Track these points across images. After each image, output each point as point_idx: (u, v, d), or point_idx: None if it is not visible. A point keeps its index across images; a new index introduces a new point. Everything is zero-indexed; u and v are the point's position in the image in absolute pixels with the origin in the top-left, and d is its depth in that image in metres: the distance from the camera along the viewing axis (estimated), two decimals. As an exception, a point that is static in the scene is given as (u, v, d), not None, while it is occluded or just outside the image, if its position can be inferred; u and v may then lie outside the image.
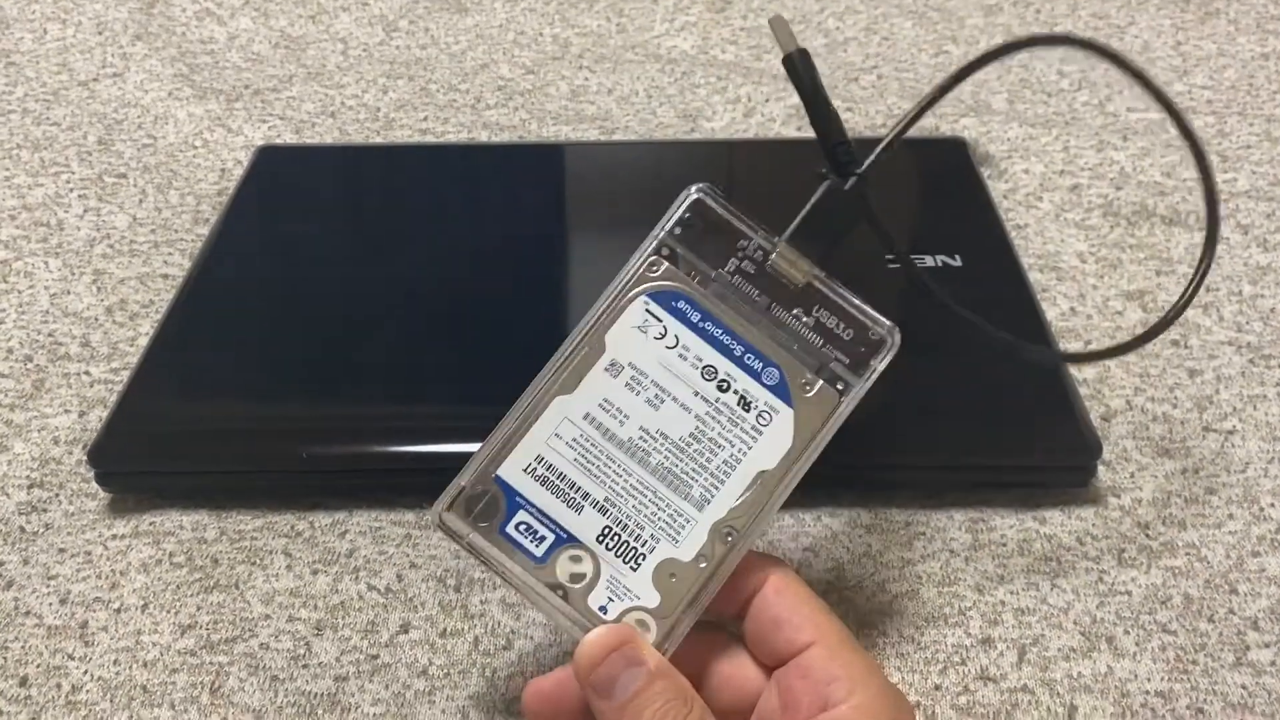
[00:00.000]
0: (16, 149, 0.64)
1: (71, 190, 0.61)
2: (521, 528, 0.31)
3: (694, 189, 0.33)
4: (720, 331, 0.32)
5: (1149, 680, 0.36)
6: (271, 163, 0.59)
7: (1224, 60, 0.69)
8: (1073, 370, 0.46)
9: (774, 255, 0.32)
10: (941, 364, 0.45)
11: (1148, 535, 0.41)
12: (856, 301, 0.33)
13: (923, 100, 0.38)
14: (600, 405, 0.32)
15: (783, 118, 0.65)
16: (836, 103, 0.65)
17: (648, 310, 0.32)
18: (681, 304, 0.32)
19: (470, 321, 0.48)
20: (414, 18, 0.77)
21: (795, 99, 0.65)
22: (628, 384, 0.32)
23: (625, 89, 0.69)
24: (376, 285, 0.50)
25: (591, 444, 0.32)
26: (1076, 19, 0.74)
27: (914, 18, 0.75)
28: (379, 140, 0.65)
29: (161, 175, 0.62)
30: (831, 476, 0.43)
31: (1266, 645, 0.37)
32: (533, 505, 0.32)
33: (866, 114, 0.65)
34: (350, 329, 0.48)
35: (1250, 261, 0.53)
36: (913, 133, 0.63)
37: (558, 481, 0.32)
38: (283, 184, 0.57)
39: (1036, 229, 0.55)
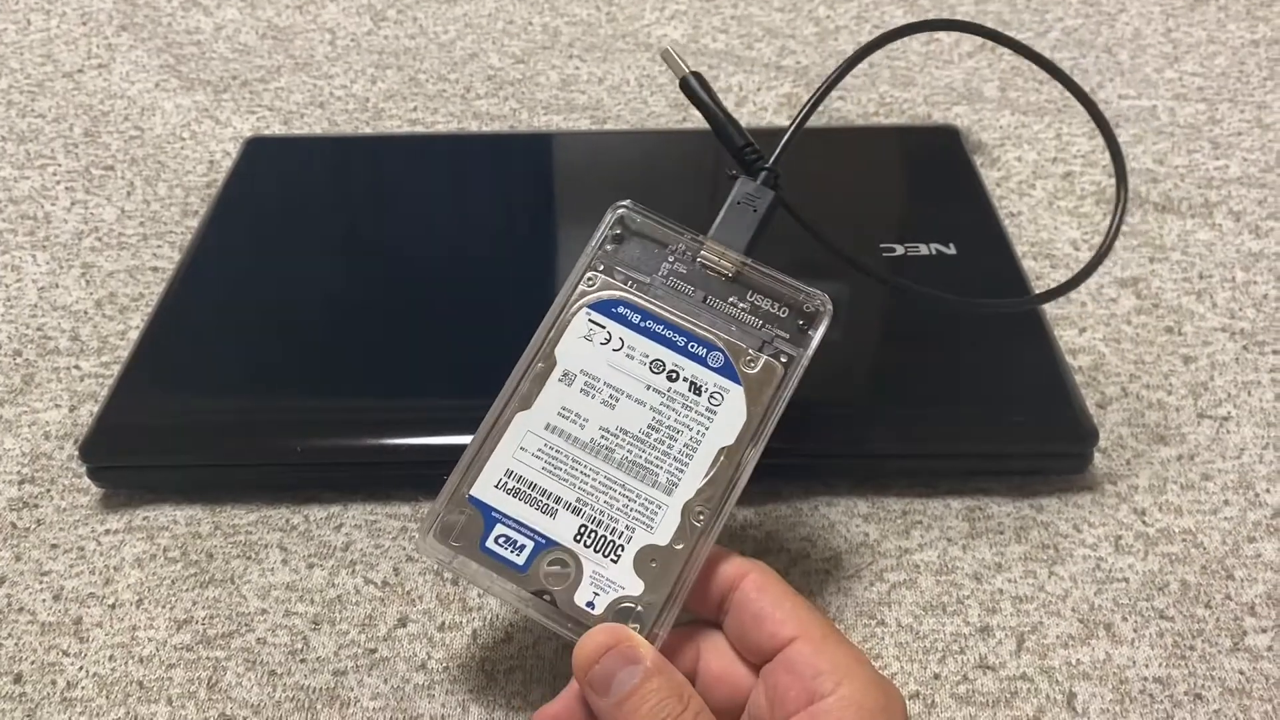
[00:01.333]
0: (1, 141, 0.63)
1: (58, 183, 0.60)
2: (501, 540, 0.32)
3: (617, 206, 0.35)
4: (662, 327, 0.34)
5: (1147, 666, 0.36)
6: (261, 154, 0.58)
7: (1214, 47, 0.69)
8: (1068, 358, 0.46)
9: (701, 251, 0.34)
10: (937, 353, 0.45)
11: (1144, 522, 0.41)
12: (787, 280, 0.34)
13: (815, 93, 0.40)
14: (559, 414, 0.33)
15: (774, 106, 0.65)
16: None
17: (590, 320, 0.34)
18: (621, 309, 0.34)
19: (464, 312, 0.47)
20: (402, 7, 0.77)
21: (786, 88, 0.65)
22: (582, 390, 0.33)
23: (616, 78, 0.68)
24: (369, 276, 0.50)
25: (556, 451, 0.33)
26: (1067, 5, 0.74)
27: (905, 5, 0.75)
28: (368, 131, 0.64)
29: (149, 167, 0.61)
30: (828, 465, 0.43)
31: (1263, 630, 0.38)
32: (508, 518, 0.32)
33: (859, 102, 0.65)
34: (343, 320, 0.48)
35: (1242, 248, 0.53)
36: (905, 121, 0.64)
37: (529, 491, 0.32)
38: (272, 176, 0.57)
39: (1030, 216, 0.55)
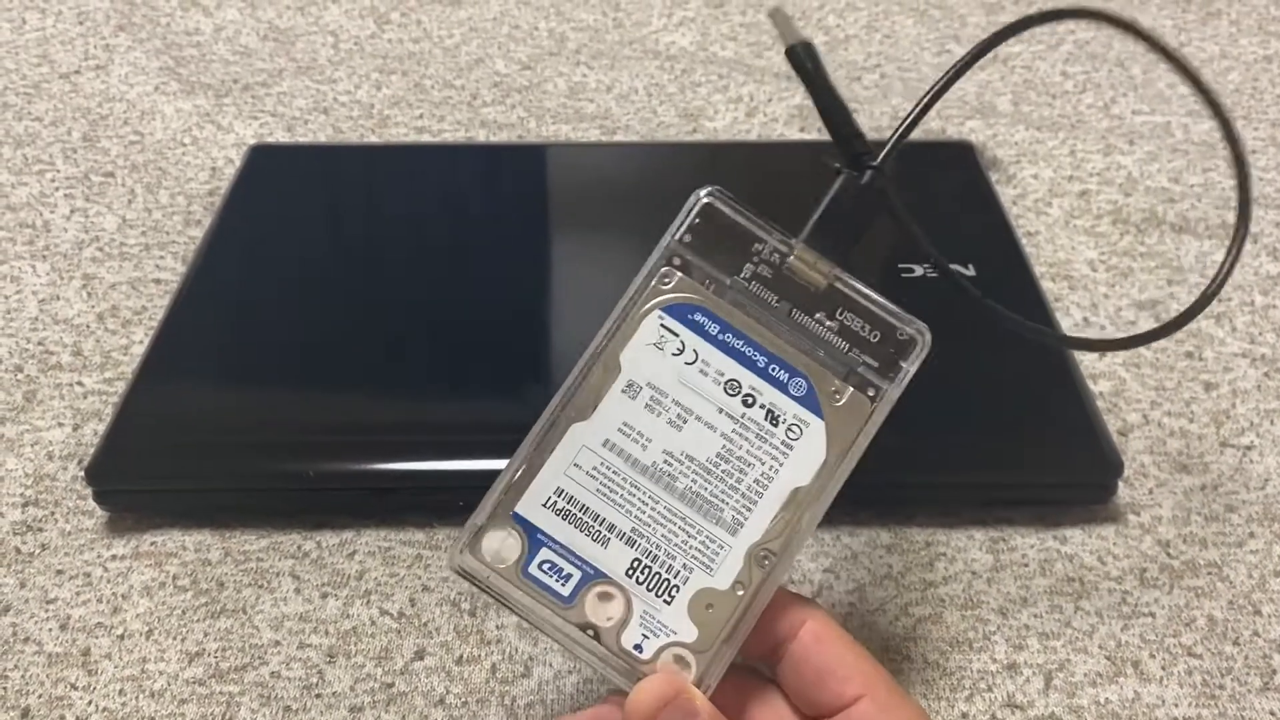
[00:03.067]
0: (-2, 145, 0.62)
1: (57, 189, 0.59)
2: (545, 566, 0.30)
3: (703, 192, 0.31)
4: (741, 343, 0.30)
5: (1176, 706, 0.36)
6: (265, 163, 0.57)
7: (1227, 63, 0.68)
8: (1090, 384, 0.45)
9: (791, 257, 0.31)
10: (960, 380, 0.44)
11: (1169, 554, 0.41)
12: (882, 301, 0.31)
13: (938, 82, 0.36)
14: (620, 430, 0.30)
15: (785, 118, 0.64)
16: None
17: (663, 325, 0.31)
18: (698, 316, 0.31)
19: (481, 330, 0.46)
20: (405, 9, 0.75)
21: (798, 99, 0.65)
22: (647, 405, 0.30)
23: (624, 86, 0.67)
24: (381, 292, 0.49)
25: (613, 472, 0.30)
26: (1078, 18, 0.73)
27: (915, 15, 0.74)
28: (374, 139, 0.63)
29: (150, 174, 0.60)
30: (850, 494, 0.43)
31: (1292, 669, 0.37)
32: (555, 541, 0.30)
33: (871, 115, 0.64)
34: (356, 338, 0.47)
35: (1261, 271, 0.53)
36: (918, 134, 0.63)
37: (580, 514, 0.30)
38: (277, 186, 0.56)
39: (1047, 236, 0.55)
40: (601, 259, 0.51)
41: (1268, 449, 0.44)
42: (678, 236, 0.31)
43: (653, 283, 0.31)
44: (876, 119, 0.64)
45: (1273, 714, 0.36)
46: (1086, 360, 0.48)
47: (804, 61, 0.35)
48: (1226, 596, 0.39)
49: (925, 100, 0.35)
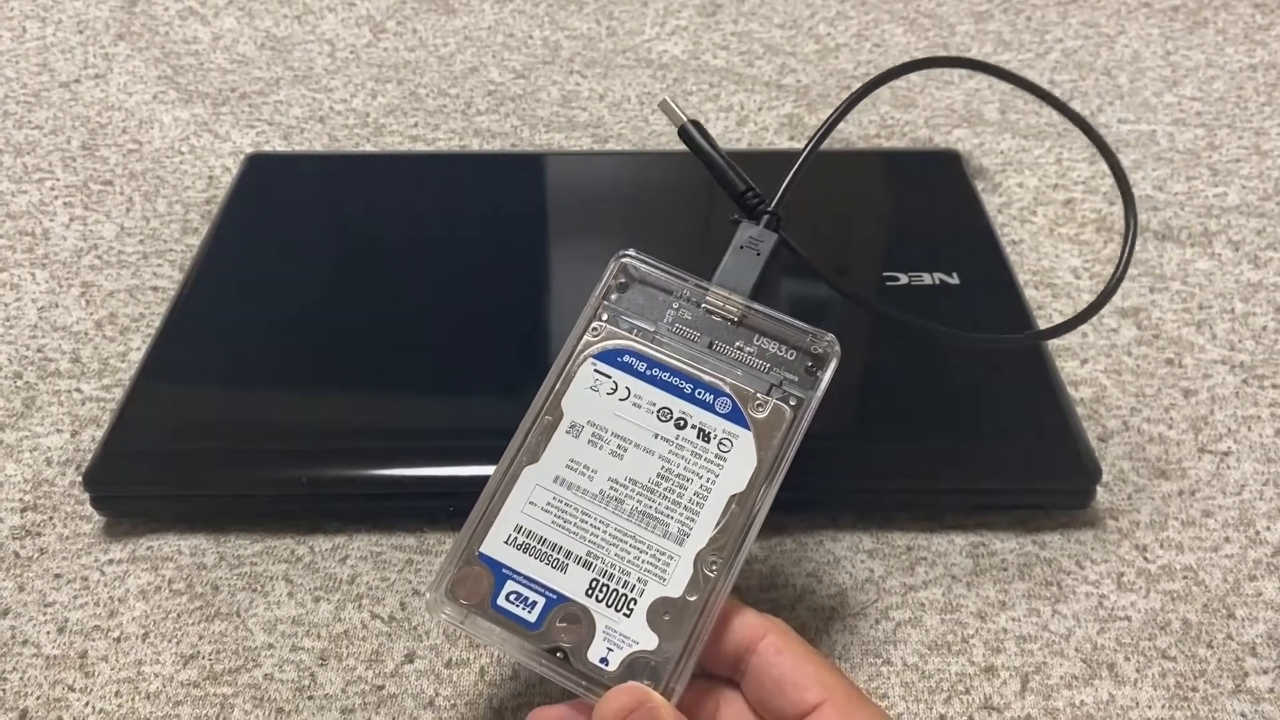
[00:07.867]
0: (-2, 153, 0.63)
1: (56, 197, 0.60)
2: (512, 597, 0.32)
3: (620, 255, 0.35)
4: (668, 375, 0.34)
5: (1150, 708, 0.37)
6: (261, 171, 0.58)
7: (1213, 71, 0.69)
8: (1070, 390, 0.46)
9: (706, 297, 0.35)
10: (941, 386, 0.45)
11: (1146, 558, 0.42)
12: (793, 322, 0.34)
13: (818, 130, 0.42)
14: (568, 466, 0.33)
15: (775, 126, 0.65)
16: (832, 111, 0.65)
17: (596, 370, 0.34)
18: (627, 358, 0.34)
19: (475, 338, 0.47)
20: (401, 18, 0.76)
21: (787, 109, 0.65)
22: (590, 441, 0.33)
23: (617, 95, 0.68)
24: (375, 300, 0.50)
25: (565, 504, 0.33)
26: (1066, 26, 0.74)
27: (905, 24, 0.75)
28: (369, 147, 0.64)
29: (148, 182, 0.61)
30: (832, 500, 0.44)
31: (1264, 671, 0.38)
32: (519, 574, 0.32)
33: (860, 124, 0.65)
34: (349, 346, 0.47)
35: (1241, 279, 0.54)
36: (906, 144, 0.64)
37: (539, 546, 0.32)
38: (274, 194, 0.57)
39: (1031, 244, 0.56)
40: (594, 267, 0.51)
41: (1244, 455, 0.45)
42: (601, 294, 0.35)
43: (584, 337, 0.34)
44: (865, 127, 0.65)
45: (1244, 716, 0.37)
46: (1067, 367, 0.49)
47: (695, 137, 0.41)
48: (1201, 600, 0.40)
49: (808, 150, 0.41)
